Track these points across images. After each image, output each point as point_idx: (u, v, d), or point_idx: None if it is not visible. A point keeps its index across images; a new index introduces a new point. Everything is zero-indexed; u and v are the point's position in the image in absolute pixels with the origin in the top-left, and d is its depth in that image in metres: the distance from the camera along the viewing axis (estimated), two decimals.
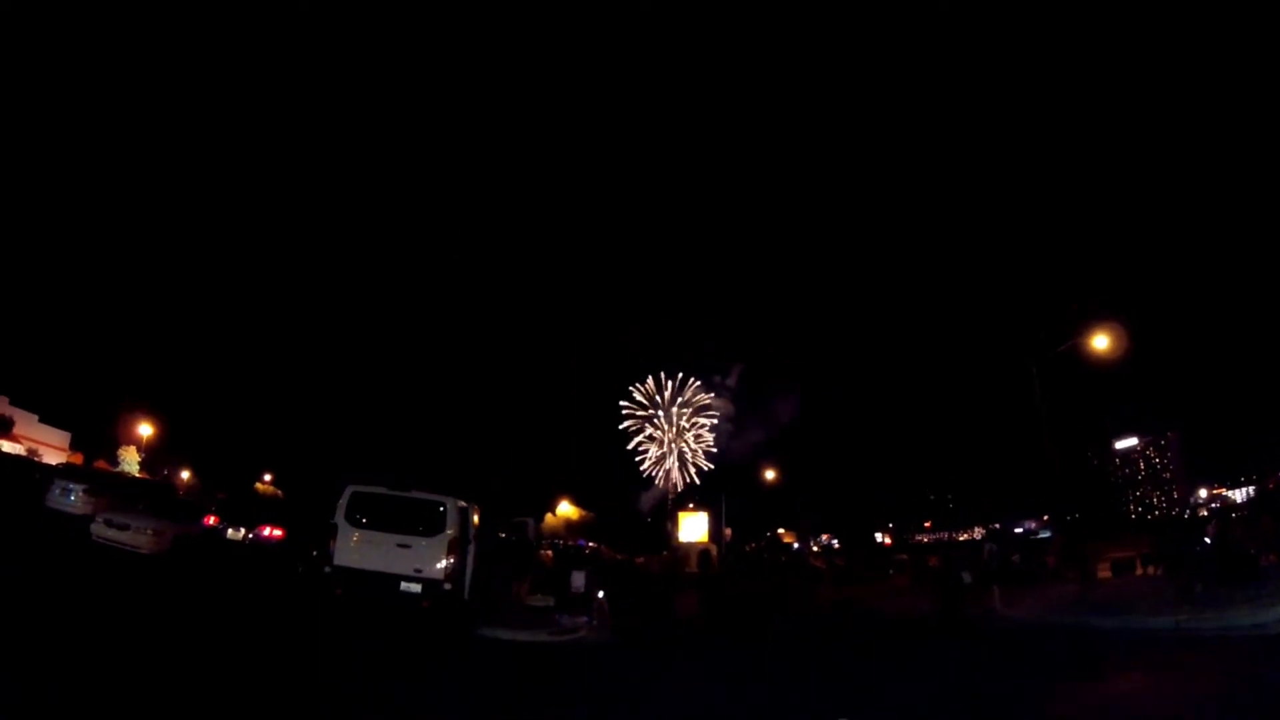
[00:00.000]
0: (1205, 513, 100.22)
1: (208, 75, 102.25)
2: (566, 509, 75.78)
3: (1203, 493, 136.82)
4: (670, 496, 78.41)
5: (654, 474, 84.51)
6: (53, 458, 46.60)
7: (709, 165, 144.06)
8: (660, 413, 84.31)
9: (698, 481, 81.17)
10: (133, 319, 74.64)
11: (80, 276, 72.25)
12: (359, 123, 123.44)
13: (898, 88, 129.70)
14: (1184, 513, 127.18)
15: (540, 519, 60.82)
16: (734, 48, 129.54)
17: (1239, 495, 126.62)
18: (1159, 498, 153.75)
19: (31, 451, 47.30)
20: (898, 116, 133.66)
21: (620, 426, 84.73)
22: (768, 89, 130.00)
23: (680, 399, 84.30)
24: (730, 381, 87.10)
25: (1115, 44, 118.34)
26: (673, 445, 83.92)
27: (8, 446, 44.94)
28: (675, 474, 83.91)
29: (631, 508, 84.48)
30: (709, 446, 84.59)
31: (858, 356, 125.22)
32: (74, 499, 19.76)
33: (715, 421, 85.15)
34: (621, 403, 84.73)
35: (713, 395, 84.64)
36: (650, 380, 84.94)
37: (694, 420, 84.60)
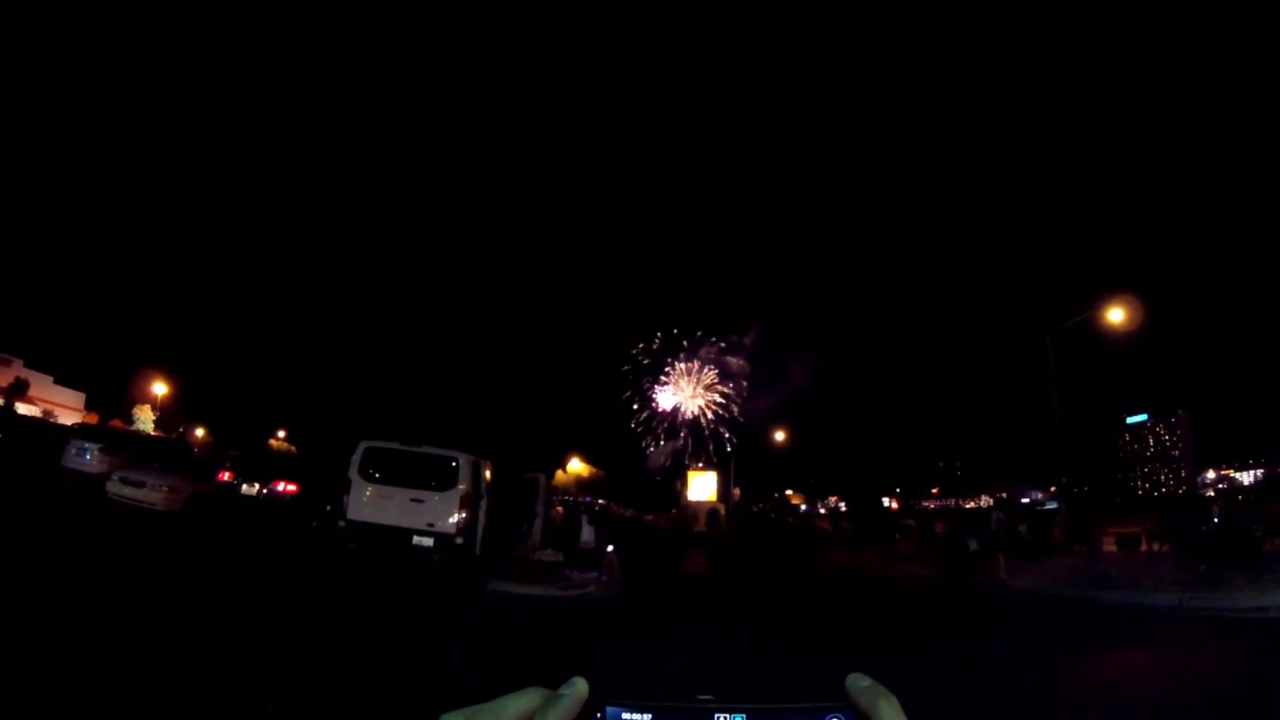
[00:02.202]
0: (1212, 493, 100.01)
1: (217, 47, 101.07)
2: (577, 466, 76.27)
3: (1210, 473, 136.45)
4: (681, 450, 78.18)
5: (659, 438, 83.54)
6: (68, 418, 47.17)
7: (726, 140, 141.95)
8: (672, 387, 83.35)
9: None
10: (146, 281, 75.17)
11: (93, 241, 72.63)
12: (369, 103, 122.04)
13: (910, 70, 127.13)
14: (1190, 492, 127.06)
15: (551, 476, 61.17)
16: (741, 30, 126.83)
17: (1247, 477, 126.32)
18: (1166, 475, 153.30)
19: (47, 413, 47.92)
20: (914, 98, 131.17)
21: (625, 396, 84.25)
22: (774, 77, 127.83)
23: (695, 361, 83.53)
24: (747, 340, 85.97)
25: (1130, 27, 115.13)
26: (685, 418, 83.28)
27: (24, 408, 45.47)
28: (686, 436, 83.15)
29: (641, 466, 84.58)
30: (729, 412, 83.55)
31: (872, 328, 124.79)
32: (89, 458, 19.89)
33: (732, 391, 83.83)
34: (625, 367, 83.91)
35: (738, 359, 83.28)
36: (658, 342, 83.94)
37: (712, 385, 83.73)
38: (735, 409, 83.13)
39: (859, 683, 0.68)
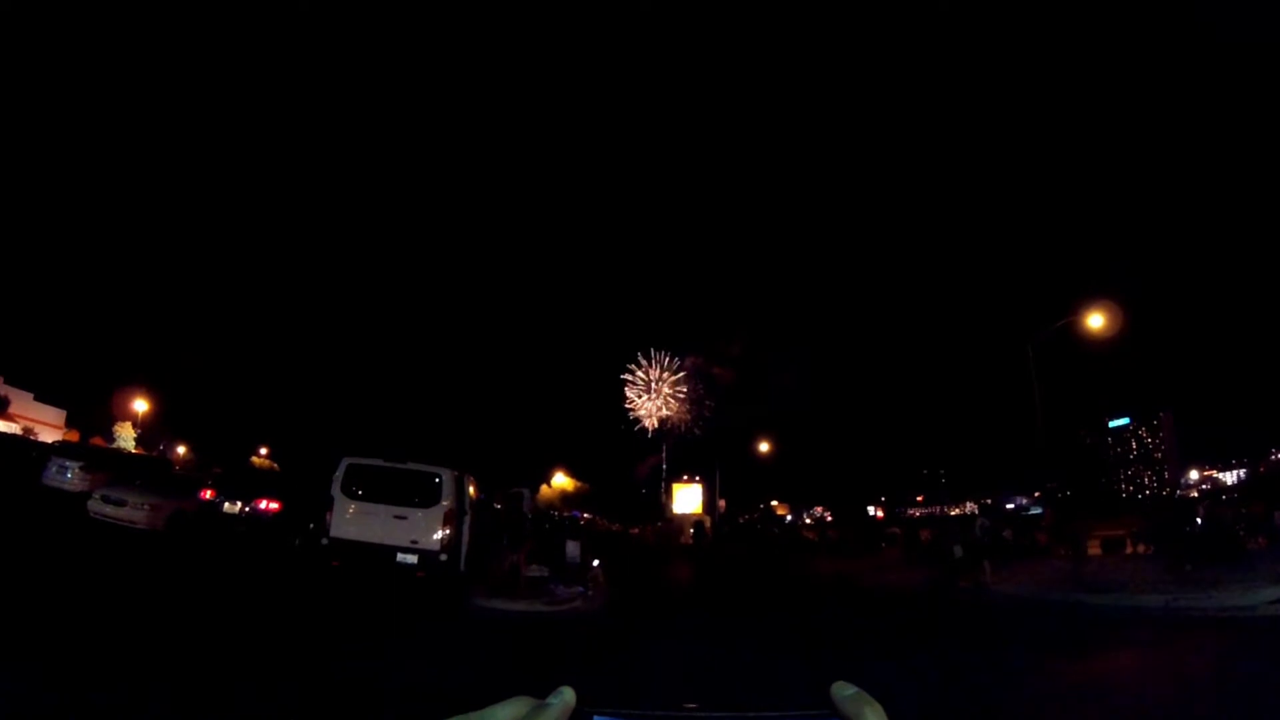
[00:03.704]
0: (1195, 494, 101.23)
1: (202, 52, 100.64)
2: (562, 480, 76.08)
3: (1194, 474, 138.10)
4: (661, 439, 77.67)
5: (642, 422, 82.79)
6: (49, 435, 46.79)
7: (710, 154, 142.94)
8: (651, 394, 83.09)
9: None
10: (127, 297, 74.54)
11: (73, 256, 72.02)
12: (351, 118, 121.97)
13: (894, 79, 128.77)
14: (1174, 493, 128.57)
15: (536, 489, 61.05)
16: (732, 38, 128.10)
17: (1230, 477, 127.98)
18: (1150, 477, 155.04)
19: (27, 430, 47.46)
20: (897, 106, 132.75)
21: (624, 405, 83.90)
22: (759, 92, 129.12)
23: (680, 373, 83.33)
24: (733, 351, 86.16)
25: (1109, 33, 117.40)
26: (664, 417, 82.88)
27: (3, 425, 45.10)
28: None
29: (626, 479, 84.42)
30: (714, 424, 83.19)
31: (857, 334, 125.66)
32: (70, 476, 19.74)
33: (717, 403, 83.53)
34: (624, 376, 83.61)
35: (723, 370, 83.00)
36: (643, 354, 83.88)
37: (698, 396, 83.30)
38: (720, 420, 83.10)
39: (843, 691, 0.67)
